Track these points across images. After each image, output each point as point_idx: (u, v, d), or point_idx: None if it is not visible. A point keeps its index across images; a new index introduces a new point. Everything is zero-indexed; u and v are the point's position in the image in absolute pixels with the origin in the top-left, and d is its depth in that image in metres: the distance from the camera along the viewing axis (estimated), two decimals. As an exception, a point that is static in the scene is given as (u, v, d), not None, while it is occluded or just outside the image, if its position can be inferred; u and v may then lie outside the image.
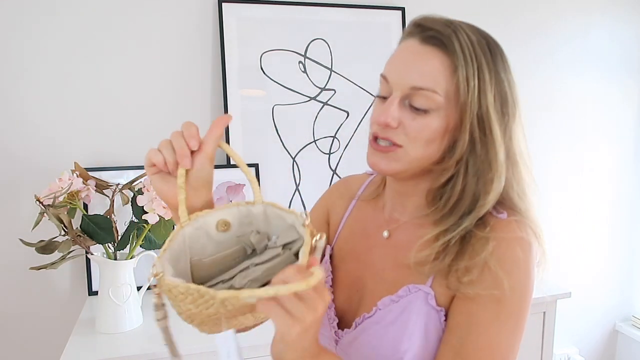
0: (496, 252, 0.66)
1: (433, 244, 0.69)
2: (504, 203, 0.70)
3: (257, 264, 0.63)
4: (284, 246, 0.65)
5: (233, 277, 0.64)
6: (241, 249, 0.68)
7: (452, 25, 0.66)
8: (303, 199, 1.69)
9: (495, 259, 0.66)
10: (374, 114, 0.72)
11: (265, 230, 0.68)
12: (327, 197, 0.94)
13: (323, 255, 0.85)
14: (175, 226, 0.65)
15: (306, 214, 0.64)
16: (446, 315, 0.69)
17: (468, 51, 0.65)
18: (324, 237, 0.65)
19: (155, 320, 0.60)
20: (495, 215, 0.69)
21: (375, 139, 0.71)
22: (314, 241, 0.64)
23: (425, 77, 0.65)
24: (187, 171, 0.64)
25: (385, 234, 0.79)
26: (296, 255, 0.64)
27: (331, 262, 0.85)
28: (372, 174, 0.90)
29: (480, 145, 0.67)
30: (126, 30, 1.52)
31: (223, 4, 1.57)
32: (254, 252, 0.68)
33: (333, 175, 1.73)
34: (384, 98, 0.70)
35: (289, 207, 1.68)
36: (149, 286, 1.41)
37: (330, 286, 0.82)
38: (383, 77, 0.70)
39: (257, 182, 0.68)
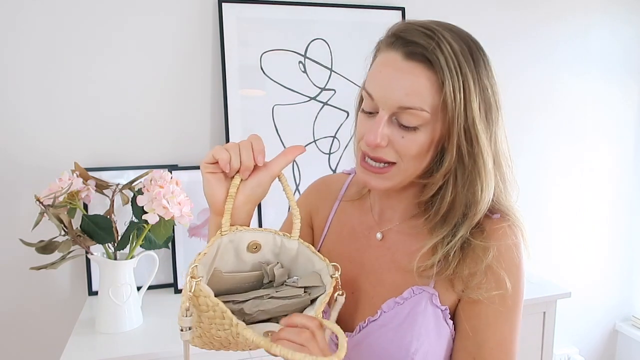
0: (497, 256, 0.69)
1: (433, 256, 0.70)
2: (493, 204, 0.72)
3: (272, 297, 0.66)
4: (305, 289, 0.67)
5: (246, 300, 0.66)
6: (260, 275, 0.70)
7: (434, 37, 0.64)
8: (303, 199, 1.69)
9: (497, 262, 0.69)
10: (359, 130, 0.71)
11: (289, 266, 0.71)
12: (307, 200, 0.92)
13: None
14: (217, 230, 0.67)
15: (338, 268, 0.67)
16: (451, 314, 0.72)
17: (453, 64, 0.64)
18: (344, 296, 0.68)
19: (180, 329, 0.58)
20: (489, 216, 0.72)
21: (364, 157, 0.71)
22: (336, 295, 0.68)
23: (413, 96, 0.64)
24: (240, 182, 0.66)
25: (379, 235, 0.79)
26: (313, 302, 0.67)
27: None
28: (350, 173, 0.90)
29: (468, 156, 0.67)
30: (126, 30, 1.52)
31: (223, 4, 1.57)
32: (270, 283, 0.70)
33: (333, 175, 1.73)
34: (369, 113, 0.69)
35: (289, 207, 1.68)
36: (149, 285, 1.41)
37: None
38: (367, 93, 0.69)
39: (299, 218, 0.71)
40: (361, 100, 0.74)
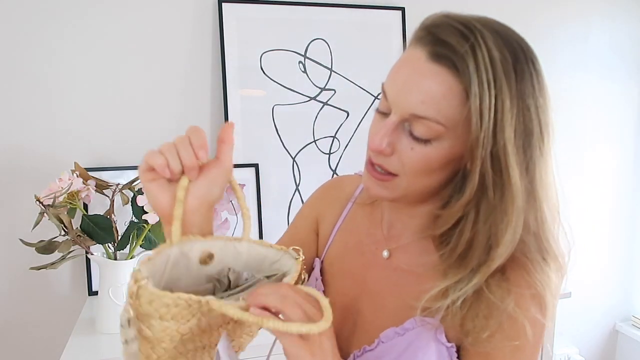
0: (520, 301, 0.58)
1: (442, 300, 0.59)
2: (539, 242, 0.61)
3: (232, 293, 0.59)
4: (267, 277, 0.61)
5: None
6: (211, 288, 0.61)
7: (470, 38, 0.54)
8: (303, 199, 1.69)
9: (519, 308, 0.58)
10: (369, 130, 0.63)
11: (241, 270, 0.62)
12: (316, 203, 0.83)
13: (312, 269, 0.79)
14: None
15: (298, 250, 0.60)
16: (457, 352, 0.62)
17: (486, 75, 0.53)
18: (308, 277, 0.62)
19: (122, 341, 0.50)
20: (518, 256, 0.60)
21: (370, 161, 0.63)
22: (303, 277, 0.61)
23: (428, 105, 0.55)
24: (189, 183, 0.56)
25: (386, 253, 0.70)
26: None
27: (322, 278, 0.76)
28: None
29: (494, 187, 0.56)
30: (126, 31, 1.52)
31: (223, 4, 1.57)
32: (226, 292, 0.61)
33: (333, 175, 1.73)
34: (383, 113, 0.61)
35: (289, 208, 1.68)
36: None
37: None
38: (383, 91, 0.60)
39: (250, 218, 0.61)
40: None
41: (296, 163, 1.68)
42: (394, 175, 0.60)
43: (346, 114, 1.72)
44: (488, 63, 0.53)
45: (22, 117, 1.47)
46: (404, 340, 0.63)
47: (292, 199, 1.68)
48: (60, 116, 1.50)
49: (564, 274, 0.62)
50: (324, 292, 0.74)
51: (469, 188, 0.57)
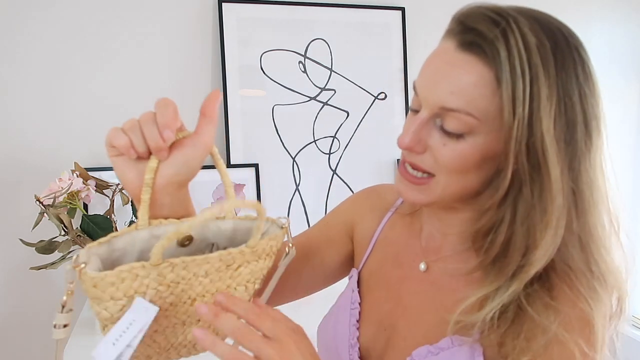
0: (566, 323, 0.52)
1: (478, 312, 0.54)
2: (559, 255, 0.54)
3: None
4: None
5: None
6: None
7: (502, 23, 0.50)
8: (303, 199, 1.69)
9: (566, 330, 0.52)
10: (403, 129, 0.59)
11: (226, 245, 0.59)
12: (354, 207, 0.78)
13: (336, 277, 0.77)
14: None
15: (289, 220, 0.57)
16: None
17: (520, 60, 0.49)
18: (293, 250, 0.59)
19: (53, 326, 0.48)
20: (567, 270, 0.54)
21: (404, 162, 0.59)
22: (287, 248, 0.58)
23: (458, 96, 0.51)
24: (159, 164, 0.52)
25: (423, 266, 0.66)
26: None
27: (359, 290, 0.72)
28: None
29: (531, 185, 0.52)
30: (126, 31, 1.52)
31: (223, 4, 1.57)
32: None
33: (333, 175, 1.73)
34: (415, 111, 0.57)
35: (289, 208, 1.68)
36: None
37: (357, 320, 0.69)
38: (414, 87, 0.57)
39: (234, 197, 0.57)
40: None
41: (296, 163, 1.68)
42: (429, 176, 0.56)
43: (346, 114, 1.72)
44: (522, 48, 0.49)
45: (22, 117, 1.47)
46: None
47: (292, 199, 1.68)
48: (60, 116, 1.50)
49: (620, 295, 0.55)
50: (359, 304, 0.70)
51: (501, 184, 0.53)
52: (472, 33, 0.51)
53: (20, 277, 1.49)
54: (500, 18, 0.51)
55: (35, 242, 1.24)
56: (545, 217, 0.51)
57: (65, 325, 0.49)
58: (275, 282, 0.61)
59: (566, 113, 0.51)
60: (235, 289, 0.55)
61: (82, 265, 0.47)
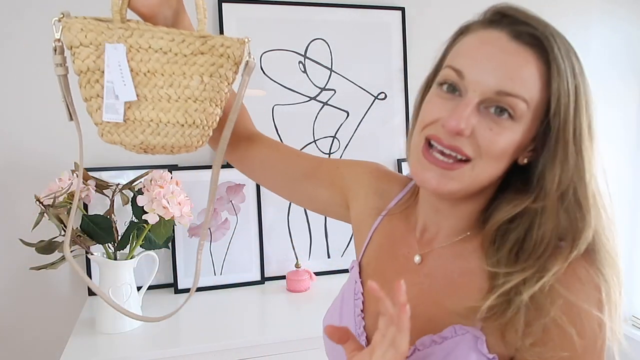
0: (565, 307, 0.55)
1: (484, 298, 0.57)
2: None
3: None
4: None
5: None
6: None
7: (549, 24, 0.56)
8: (303, 199, 1.69)
9: (565, 315, 0.55)
10: (431, 112, 0.59)
11: None
12: (359, 178, 0.79)
13: (351, 268, 0.77)
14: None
15: (248, 39, 0.68)
16: None
17: (567, 59, 0.54)
18: (253, 60, 0.71)
19: (54, 65, 0.61)
20: (567, 251, 0.57)
21: (427, 146, 0.58)
22: (246, 59, 0.70)
23: (518, 82, 0.54)
24: None
25: (417, 259, 0.68)
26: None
27: (361, 281, 0.73)
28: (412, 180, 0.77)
29: (561, 174, 0.56)
30: (126, 30, 1.52)
31: (223, 4, 1.57)
32: None
33: (333, 175, 1.73)
34: (451, 92, 0.58)
35: (289, 208, 1.68)
36: (149, 285, 1.41)
37: (361, 310, 0.70)
38: (455, 70, 0.57)
39: (205, 18, 0.67)
40: (428, 83, 0.64)
41: (296, 163, 1.68)
42: (461, 162, 0.57)
43: (346, 114, 1.72)
44: (565, 50, 0.55)
45: (22, 117, 1.47)
46: (442, 350, 0.59)
47: (292, 199, 1.68)
48: (60, 116, 1.49)
49: (619, 278, 0.61)
50: (362, 294, 0.71)
51: (548, 180, 0.56)
52: (526, 26, 0.55)
53: (20, 277, 1.49)
54: (541, 18, 0.56)
55: (35, 242, 1.24)
56: (582, 206, 0.56)
57: (62, 64, 0.63)
58: (240, 99, 0.69)
59: (588, 115, 0.57)
60: (191, 77, 0.64)
61: (68, 16, 0.60)
